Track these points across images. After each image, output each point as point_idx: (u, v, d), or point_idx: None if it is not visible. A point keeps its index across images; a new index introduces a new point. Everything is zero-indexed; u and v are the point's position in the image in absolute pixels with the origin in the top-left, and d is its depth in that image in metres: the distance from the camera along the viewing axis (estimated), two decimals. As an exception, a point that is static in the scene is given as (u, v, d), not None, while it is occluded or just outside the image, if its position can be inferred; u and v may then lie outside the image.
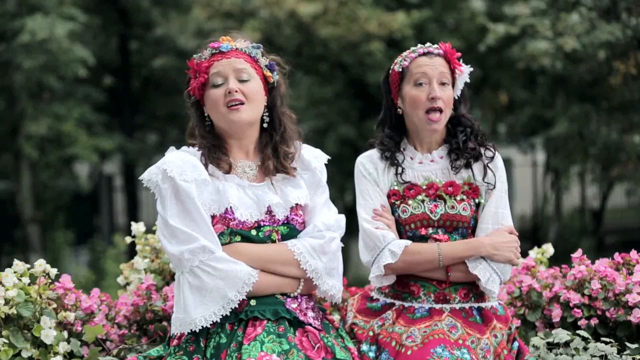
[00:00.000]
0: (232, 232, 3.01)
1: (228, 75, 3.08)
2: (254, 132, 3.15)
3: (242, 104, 3.06)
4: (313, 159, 3.24)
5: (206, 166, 3.06)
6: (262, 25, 14.14)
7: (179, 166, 3.01)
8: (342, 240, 3.21)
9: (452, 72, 3.32)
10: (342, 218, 3.22)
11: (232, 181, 3.07)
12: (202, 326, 2.92)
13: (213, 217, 3.01)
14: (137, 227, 3.81)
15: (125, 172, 18.47)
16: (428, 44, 3.37)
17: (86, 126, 14.89)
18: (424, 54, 3.33)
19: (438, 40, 3.49)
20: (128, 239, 3.85)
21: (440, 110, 3.29)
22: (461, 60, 3.37)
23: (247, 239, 3.02)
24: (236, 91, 3.05)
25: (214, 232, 2.98)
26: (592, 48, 11.69)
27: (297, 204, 3.12)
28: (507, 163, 17.66)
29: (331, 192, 3.38)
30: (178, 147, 3.17)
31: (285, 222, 3.08)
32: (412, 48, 3.37)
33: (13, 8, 13.76)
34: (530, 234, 17.87)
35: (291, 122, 3.23)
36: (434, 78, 3.29)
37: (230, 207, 3.01)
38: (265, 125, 3.16)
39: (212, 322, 2.93)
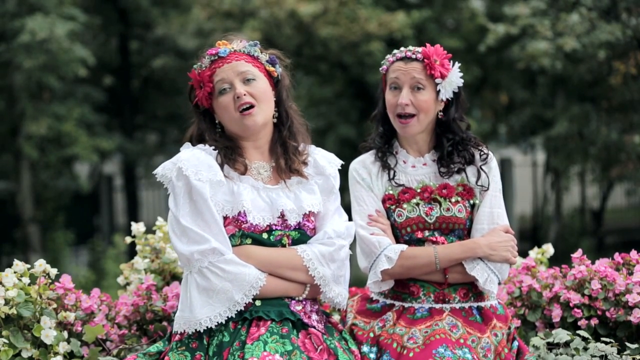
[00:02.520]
0: (243, 234, 3.01)
1: (233, 80, 3.07)
2: (267, 131, 3.16)
3: (253, 106, 3.05)
4: (327, 165, 3.23)
5: (222, 166, 3.05)
6: (262, 25, 14.12)
7: (194, 165, 3.00)
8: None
9: (432, 76, 3.30)
10: (352, 225, 3.22)
11: (247, 182, 3.06)
12: (207, 326, 2.93)
13: (225, 218, 3.01)
14: (137, 227, 3.81)
15: (125, 172, 18.45)
16: (410, 47, 3.35)
17: (86, 126, 14.87)
18: (401, 58, 3.32)
19: (437, 41, 3.50)
20: (128, 239, 3.85)
21: (412, 115, 3.28)
22: (453, 63, 3.34)
23: (258, 241, 3.02)
24: (244, 94, 3.04)
25: (225, 234, 2.98)
26: (592, 48, 11.68)
27: (310, 211, 3.11)
28: (507, 163, 17.62)
29: (331, 192, 3.37)
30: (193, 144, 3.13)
31: (297, 227, 3.08)
32: (394, 51, 3.37)
33: (13, 8, 13.74)
34: (530, 234, 17.85)
35: (298, 115, 3.23)
36: (406, 84, 3.28)
37: (244, 211, 3.00)
38: (274, 120, 3.15)
39: (216, 323, 2.93)
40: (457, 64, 3.35)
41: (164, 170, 3.04)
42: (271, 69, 3.15)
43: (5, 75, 14.03)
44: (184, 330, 2.97)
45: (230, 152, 3.09)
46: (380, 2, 14.49)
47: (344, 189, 3.41)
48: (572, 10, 11.90)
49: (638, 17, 11.58)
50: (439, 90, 3.30)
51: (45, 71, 13.47)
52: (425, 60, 3.29)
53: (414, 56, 3.31)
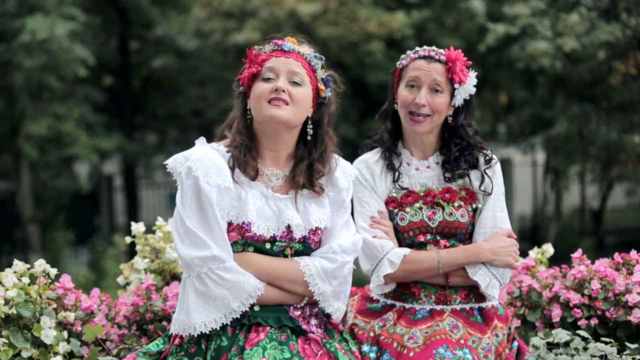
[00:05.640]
0: (246, 242, 2.97)
1: (280, 73, 3.01)
2: (290, 139, 3.07)
3: (286, 104, 2.99)
4: (342, 177, 3.14)
5: (232, 170, 3.00)
6: (262, 25, 14.13)
7: (205, 166, 2.95)
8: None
9: (451, 80, 3.30)
10: (359, 240, 3.14)
11: (256, 189, 3.01)
12: (201, 331, 2.91)
13: (230, 223, 2.97)
14: (137, 227, 3.81)
15: (125, 172, 18.46)
16: (434, 47, 3.33)
17: (86, 126, 14.88)
18: (424, 57, 3.30)
19: (437, 40, 3.50)
20: (128, 239, 3.85)
21: (426, 115, 3.27)
22: (471, 70, 3.34)
23: (260, 250, 2.98)
24: (283, 90, 2.98)
25: (227, 240, 2.94)
26: (591, 48, 11.70)
27: (317, 227, 3.05)
28: (507, 163, 17.62)
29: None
30: (207, 140, 3.08)
31: (302, 240, 3.03)
32: (417, 48, 3.36)
33: (13, 8, 13.75)
34: (530, 234, 17.87)
35: (332, 144, 3.15)
36: (425, 84, 3.27)
37: (249, 221, 2.96)
38: (308, 137, 3.08)
39: (211, 329, 2.91)
40: (473, 72, 3.34)
41: (175, 163, 2.99)
42: (322, 87, 3.08)
43: (5, 75, 14.04)
44: (180, 334, 2.96)
45: (245, 154, 3.02)
46: (380, 2, 14.49)
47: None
48: (572, 10, 11.91)
49: (638, 17, 11.59)
50: (454, 96, 3.30)
51: (45, 71, 13.47)
52: (449, 63, 3.28)
53: (437, 57, 3.29)
